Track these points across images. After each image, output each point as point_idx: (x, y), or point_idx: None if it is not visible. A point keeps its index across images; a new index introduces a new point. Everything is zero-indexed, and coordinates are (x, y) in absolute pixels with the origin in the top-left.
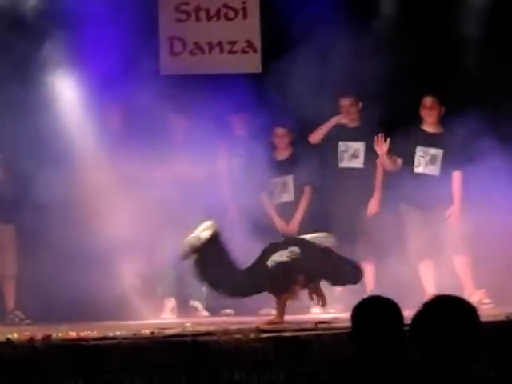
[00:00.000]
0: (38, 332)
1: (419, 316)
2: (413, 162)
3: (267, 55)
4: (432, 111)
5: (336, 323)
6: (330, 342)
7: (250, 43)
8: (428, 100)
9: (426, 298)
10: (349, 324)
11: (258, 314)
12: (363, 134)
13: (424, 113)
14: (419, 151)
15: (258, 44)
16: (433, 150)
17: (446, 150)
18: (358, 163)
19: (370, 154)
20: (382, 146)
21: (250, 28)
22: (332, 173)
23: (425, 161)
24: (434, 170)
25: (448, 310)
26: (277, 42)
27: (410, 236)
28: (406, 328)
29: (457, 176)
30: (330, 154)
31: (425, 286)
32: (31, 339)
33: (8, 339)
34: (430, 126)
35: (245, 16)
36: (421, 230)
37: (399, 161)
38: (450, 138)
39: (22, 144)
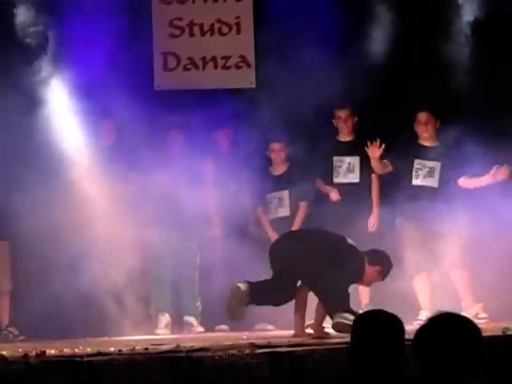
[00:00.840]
0: (32, 348)
1: (422, 331)
2: (410, 176)
3: (261, 70)
4: (427, 126)
5: (331, 338)
6: (324, 357)
7: (243, 58)
8: (422, 116)
9: (422, 312)
10: (343, 339)
11: (253, 330)
12: (358, 148)
13: (419, 128)
14: (417, 164)
15: (251, 59)
16: (431, 163)
17: (443, 163)
18: (354, 178)
19: (366, 168)
20: (375, 150)
21: (244, 43)
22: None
23: (423, 173)
24: (432, 182)
25: (452, 326)
26: (271, 57)
27: (405, 250)
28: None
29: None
30: (324, 169)
31: (420, 300)
32: (25, 355)
33: (2, 355)
34: (426, 141)
35: (238, 31)
36: (417, 244)
37: (390, 165)
38: (447, 150)
39: (12, 158)
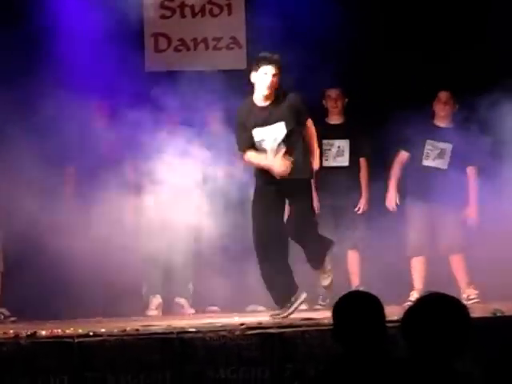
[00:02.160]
0: (23, 329)
1: (411, 312)
2: (421, 156)
3: (252, 51)
4: (446, 106)
5: (322, 320)
6: (315, 338)
7: (235, 39)
8: (443, 94)
9: (414, 293)
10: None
11: (244, 311)
12: (348, 131)
13: (438, 107)
14: (428, 145)
15: (243, 40)
16: (442, 144)
17: (455, 146)
18: (343, 161)
19: (355, 151)
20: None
21: (235, 24)
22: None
23: (433, 155)
24: (442, 164)
25: (440, 307)
26: (262, 38)
27: (409, 230)
28: (389, 324)
29: (472, 172)
30: None
31: (414, 281)
32: (16, 336)
33: None
34: (441, 121)
35: (230, 12)
36: (421, 226)
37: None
38: (461, 133)
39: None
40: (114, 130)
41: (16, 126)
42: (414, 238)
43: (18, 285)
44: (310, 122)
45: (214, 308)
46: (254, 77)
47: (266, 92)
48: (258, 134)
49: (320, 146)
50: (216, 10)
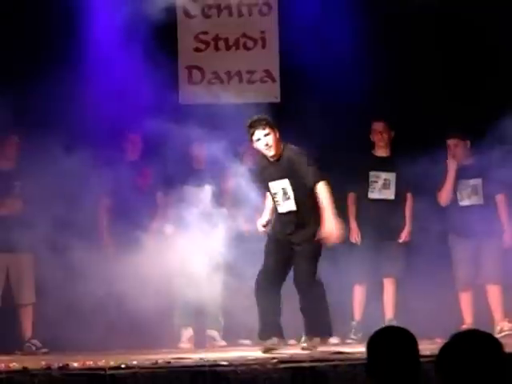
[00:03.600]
0: (54, 361)
1: (445, 348)
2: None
3: (286, 84)
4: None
5: (353, 354)
6: (347, 373)
7: (268, 73)
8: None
9: (464, 327)
10: (365, 355)
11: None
12: (394, 164)
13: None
14: (461, 184)
15: (276, 73)
16: (473, 181)
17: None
18: (389, 194)
19: (401, 185)
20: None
21: (269, 57)
22: (361, 203)
23: (467, 193)
24: (477, 200)
25: (474, 343)
26: (295, 72)
27: (455, 265)
28: (424, 360)
29: (501, 199)
30: (359, 184)
31: (464, 315)
32: (48, 368)
33: (25, 368)
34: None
35: (263, 45)
36: (466, 259)
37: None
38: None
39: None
40: (148, 162)
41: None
42: (462, 273)
43: (49, 316)
44: (321, 186)
45: (246, 342)
46: (254, 144)
47: (269, 154)
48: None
49: (367, 177)
50: (250, 44)
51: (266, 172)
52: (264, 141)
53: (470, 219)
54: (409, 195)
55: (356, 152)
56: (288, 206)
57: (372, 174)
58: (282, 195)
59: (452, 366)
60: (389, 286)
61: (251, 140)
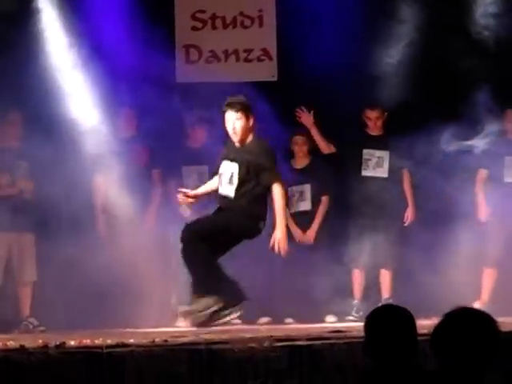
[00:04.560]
0: (52, 339)
1: (440, 326)
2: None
3: (283, 63)
4: None
5: (350, 332)
6: (344, 350)
7: (265, 51)
8: None
9: (477, 303)
10: (363, 333)
11: (257, 323)
12: (388, 142)
13: None
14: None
15: (273, 52)
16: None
17: None
18: (383, 172)
19: (395, 163)
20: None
21: (266, 36)
22: (354, 181)
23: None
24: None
25: (469, 321)
26: (293, 50)
27: (487, 242)
28: (422, 338)
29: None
30: (352, 162)
31: (482, 291)
32: (45, 346)
33: (21, 346)
34: None
35: (261, 24)
36: (498, 238)
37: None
38: None
39: (45, 152)
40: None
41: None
42: (492, 251)
43: (47, 295)
44: (276, 187)
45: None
46: (225, 123)
47: (233, 139)
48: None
49: (360, 155)
50: (247, 22)
51: (225, 149)
52: (232, 124)
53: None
54: (405, 172)
55: (350, 130)
56: (227, 190)
57: (365, 151)
58: (228, 178)
59: (446, 342)
60: (384, 272)
61: (223, 118)
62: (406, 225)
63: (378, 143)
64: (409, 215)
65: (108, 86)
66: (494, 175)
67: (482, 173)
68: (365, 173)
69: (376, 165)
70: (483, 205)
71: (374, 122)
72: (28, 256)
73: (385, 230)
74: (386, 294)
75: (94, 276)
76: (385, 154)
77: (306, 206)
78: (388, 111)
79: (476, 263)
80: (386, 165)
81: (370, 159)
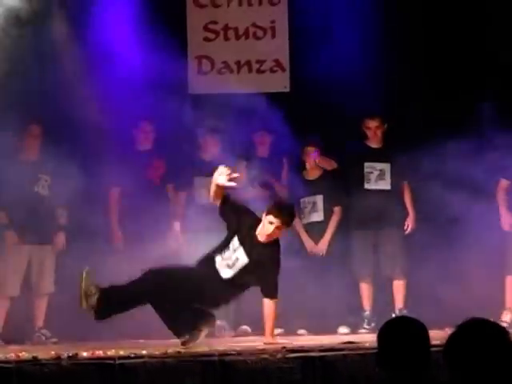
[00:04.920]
0: (64, 350)
1: (452, 338)
2: None
3: (295, 74)
4: None
5: (363, 343)
6: (356, 362)
7: (278, 62)
8: None
9: (506, 312)
10: (375, 344)
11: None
12: (388, 154)
13: None
14: None
15: (286, 63)
16: None
17: None
18: (385, 185)
19: (396, 175)
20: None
21: (279, 47)
22: (357, 194)
23: None
24: None
25: (481, 332)
26: (305, 61)
27: (507, 250)
28: (434, 348)
29: None
30: (355, 175)
31: (506, 300)
32: (58, 357)
33: (34, 357)
34: None
35: (273, 35)
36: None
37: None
38: None
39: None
40: (158, 151)
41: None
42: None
43: (59, 306)
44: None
45: (246, 328)
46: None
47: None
48: None
49: (361, 168)
50: (260, 33)
51: None
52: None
53: None
54: (405, 185)
55: (354, 142)
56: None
57: (367, 165)
58: None
59: (459, 354)
60: (397, 282)
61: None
62: (407, 233)
63: (379, 156)
64: (409, 223)
65: (120, 99)
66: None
67: (504, 183)
68: (367, 186)
69: (378, 177)
70: (506, 215)
71: (373, 131)
72: (47, 268)
73: (390, 241)
74: (399, 305)
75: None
76: (386, 167)
77: (318, 217)
78: (388, 123)
79: (490, 272)
80: (388, 177)
81: (371, 172)
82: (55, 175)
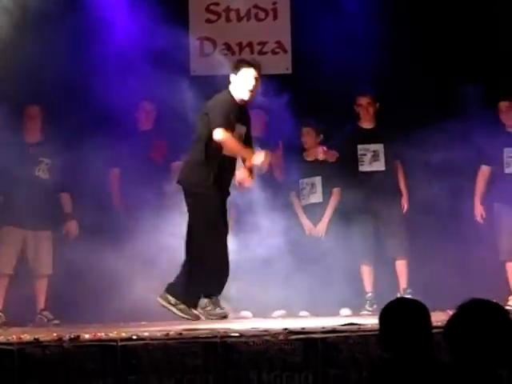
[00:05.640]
0: (66, 332)
1: (453, 319)
2: (501, 165)
3: (297, 56)
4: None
5: (365, 325)
6: (358, 343)
7: (280, 44)
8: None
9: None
10: (377, 326)
11: (272, 316)
12: (381, 135)
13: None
14: (507, 153)
15: (288, 45)
16: None
17: None
18: (380, 166)
19: (390, 155)
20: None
21: (281, 29)
22: (352, 176)
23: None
24: None
25: (482, 313)
26: (307, 43)
27: (500, 236)
28: (436, 330)
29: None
30: (348, 157)
31: (511, 285)
32: (59, 339)
33: (36, 339)
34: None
35: (275, 17)
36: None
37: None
38: None
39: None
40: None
41: None
42: (507, 243)
43: (61, 288)
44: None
45: (248, 313)
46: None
47: (249, 96)
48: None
49: (355, 151)
50: (261, 15)
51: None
52: (254, 82)
53: None
54: (398, 164)
55: (347, 125)
56: None
57: (360, 147)
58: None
59: (460, 335)
60: (399, 262)
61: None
62: (404, 212)
63: (371, 137)
64: (404, 204)
65: (122, 80)
66: (495, 168)
67: (485, 169)
68: (362, 168)
69: (372, 159)
70: (477, 205)
71: (365, 108)
72: (44, 249)
73: (390, 221)
74: (403, 285)
75: (107, 269)
76: (379, 147)
77: (316, 198)
78: (380, 102)
79: (486, 257)
80: (382, 158)
81: (365, 154)
82: (56, 159)
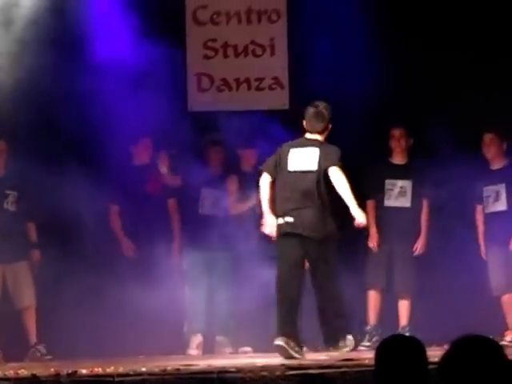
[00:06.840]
0: (63, 367)
1: (448, 354)
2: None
3: (294, 92)
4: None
5: (362, 361)
6: (355, 379)
7: (277, 80)
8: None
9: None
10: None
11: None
12: (410, 171)
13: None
14: (486, 192)
15: (285, 81)
16: (496, 187)
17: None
18: (405, 202)
19: (417, 192)
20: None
21: (278, 65)
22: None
23: (493, 199)
24: (502, 206)
25: (476, 349)
26: (304, 79)
27: (490, 271)
28: (433, 367)
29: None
30: (376, 191)
31: (508, 320)
32: (57, 375)
33: (33, 375)
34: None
35: (272, 53)
36: (499, 265)
37: None
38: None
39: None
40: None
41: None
42: (497, 278)
43: (56, 322)
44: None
45: (247, 349)
46: None
47: None
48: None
49: (383, 185)
50: (259, 51)
51: None
52: None
53: (498, 226)
54: (425, 202)
55: (371, 159)
56: None
57: (388, 182)
58: None
59: (454, 371)
60: (403, 298)
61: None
62: (415, 254)
63: (400, 172)
64: (419, 246)
65: (119, 114)
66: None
67: (479, 208)
68: (387, 203)
69: (399, 194)
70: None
71: (397, 139)
72: (23, 280)
73: (403, 258)
74: (403, 322)
75: (104, 303)
76: (407, 184)
77: None
78: (413, 138)
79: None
80: (409, 194)
81: (392, 189)
82: (22, 190)
